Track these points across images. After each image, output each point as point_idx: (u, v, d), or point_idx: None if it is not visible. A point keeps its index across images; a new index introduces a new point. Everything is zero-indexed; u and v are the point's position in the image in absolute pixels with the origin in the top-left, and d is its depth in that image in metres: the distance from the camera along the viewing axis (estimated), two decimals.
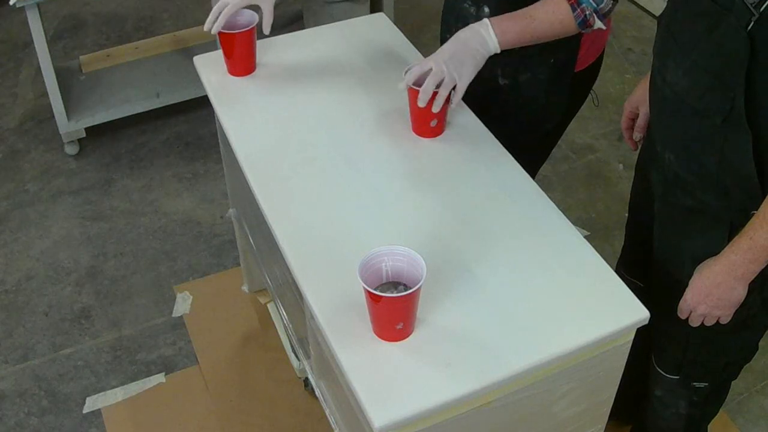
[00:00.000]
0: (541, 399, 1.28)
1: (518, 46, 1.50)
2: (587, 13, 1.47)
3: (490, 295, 1.29)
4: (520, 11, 1.50)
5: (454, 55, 1.45)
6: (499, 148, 1.57)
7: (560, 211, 1.43)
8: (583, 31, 1.49)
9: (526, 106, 1.60)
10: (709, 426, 1.78)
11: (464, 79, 1.46)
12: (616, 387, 1.39)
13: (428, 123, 1.56)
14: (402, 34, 1.86)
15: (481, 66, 1.47)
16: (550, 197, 1.46)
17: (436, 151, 1.56)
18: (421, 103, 1.46)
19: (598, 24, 1.49)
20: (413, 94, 1.52)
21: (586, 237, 1.43)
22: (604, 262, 1.34)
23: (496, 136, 1.57)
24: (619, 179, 2.73)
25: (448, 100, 1.52)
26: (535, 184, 1.49)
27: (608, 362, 1.31)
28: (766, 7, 1.11)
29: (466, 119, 1.62)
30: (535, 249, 1.36)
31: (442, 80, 1.45)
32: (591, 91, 1.82)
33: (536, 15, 1.48)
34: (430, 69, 1.47)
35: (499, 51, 1.47)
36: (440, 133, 1.58)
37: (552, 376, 1.25)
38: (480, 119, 1.61)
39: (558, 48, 1.60)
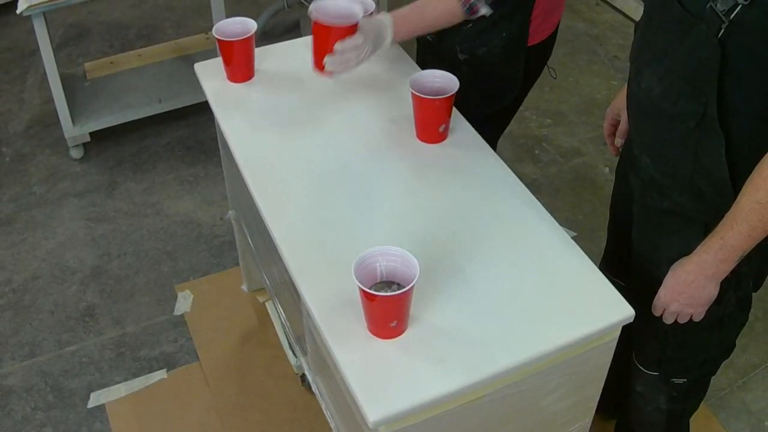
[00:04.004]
0: (531, 394, 1.30)
1: (410, 38, 1.59)
2: (472, 1, 1.54)
3: (482, 294, 1.30)
4: (414, 7, 1.57)
5: (374, 40, 1.52)
6: (490, 153, 1.58)
7: (548, 213, 1.45)
8: (470, 18, 1.56)
9: (485, 80, 1.63)
10: (691, 420, 1.79)
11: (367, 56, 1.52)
12: (603, 382, 1.41)
13: (437, 128, 1.56)
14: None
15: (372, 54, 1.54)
16: (538, 199, 1.47)
17: (428, 156, 1.57)
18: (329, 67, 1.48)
19: (484, 10, 1.55)
20: (418, 101, 1.53)
21: (573, 238, 1.42)
22: (591, 262, 1.36)
23: (458, 110, 1.61)
24: (606, 182, 2.73)
25: (451, 105, 1.54)
26: (524, 186, 1.49)
27: (595, 358, 1.33)
28: (735, 14, 1.13)
29: (458, 125, 1.62)
30: (524, 249, 1.38)
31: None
32: (547, 66, 1.89)
33: (427, 9, 1.56)
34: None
35: (389, 46, 1.55)
36: (446, 138, 1.58)
37: (541, 372, 1.27)
38: None
39: (511, 21, 1.66)
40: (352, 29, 1.45)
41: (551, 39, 1.85)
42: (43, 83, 3.19)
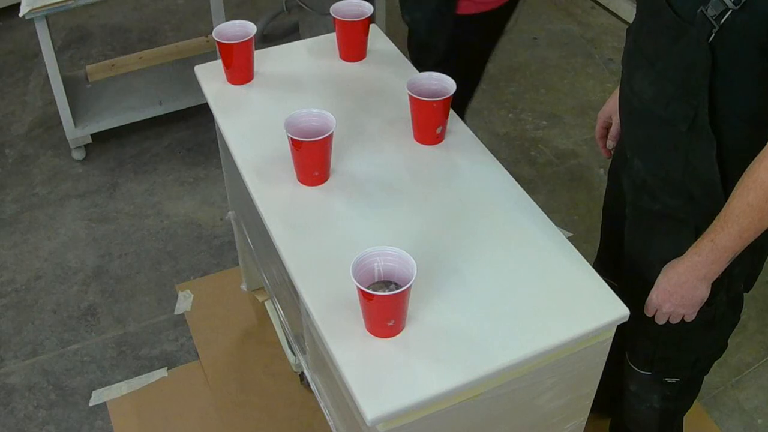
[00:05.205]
0: (526, 392, 1.31)
1: None
2: None
3: (478, 293, 1.30)
4: None
5: None
6: (487, 154, 1.58)
7: (544, 214, 1.45)
8: None
9: (415, 46, 1.64)
10: (684, 419, 1.80)
11: None
12: (598, 381, 1.41)
13: (434, 129, 1.57)
14: (393, 45, 1.87)
15: None
16: (534, 200, 1.48)
17: (426, 158, 1.58)
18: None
19: None
20: (416, 103, 1.54)
21: (569, 238, 1.43)
22: (586, 262, 1.36)
23: None
24: (601, 183, 2.71)
25: (448, 107, 1.55)
26: (520, 188, 1.50)
27: (590, 357, 1.34)
28: (726, 19, 1.13)
29: (455, 127, 1.63)
30: (520, 249, 1.39)
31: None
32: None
33: None
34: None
35: None
36: (442, 140, 1.59)
37: (536, 371, 1.27)
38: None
39: None
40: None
41: (507, 8, 1.85)
42: (45, 85, 3.21)
